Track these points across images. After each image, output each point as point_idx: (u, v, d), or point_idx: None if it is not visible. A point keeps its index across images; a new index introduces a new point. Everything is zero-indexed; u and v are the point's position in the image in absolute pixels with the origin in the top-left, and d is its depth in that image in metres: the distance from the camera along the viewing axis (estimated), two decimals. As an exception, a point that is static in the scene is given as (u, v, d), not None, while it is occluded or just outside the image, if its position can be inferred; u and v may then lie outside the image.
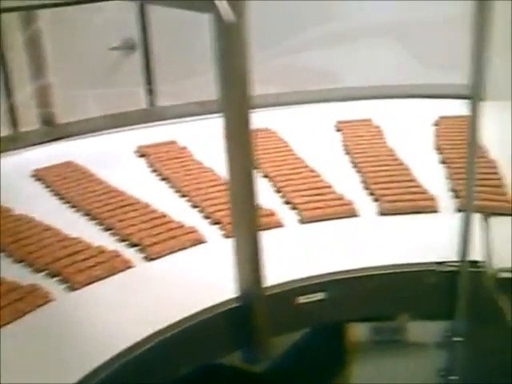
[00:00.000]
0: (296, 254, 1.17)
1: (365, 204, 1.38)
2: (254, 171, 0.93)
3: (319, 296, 1.00)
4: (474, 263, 1.02)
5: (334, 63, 1.93)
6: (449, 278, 1.00)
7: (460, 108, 1.82)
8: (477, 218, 1.21)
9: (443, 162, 1.54)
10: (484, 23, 0.89)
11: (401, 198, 1.38)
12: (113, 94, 1.74)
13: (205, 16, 0.85)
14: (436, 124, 1.74)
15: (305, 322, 1.02)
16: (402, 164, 1.52)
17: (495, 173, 1.44)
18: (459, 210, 1.26)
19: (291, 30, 1.94)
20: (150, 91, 1.74)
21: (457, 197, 1.35)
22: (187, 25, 1.62)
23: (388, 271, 1.03)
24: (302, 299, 0.99)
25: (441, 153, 1.59)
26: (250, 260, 0.94)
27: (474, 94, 0.93)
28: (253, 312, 0.95)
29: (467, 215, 0.99)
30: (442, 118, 1.76)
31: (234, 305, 0.97)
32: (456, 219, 1.21)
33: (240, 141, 0.90)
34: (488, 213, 1.22)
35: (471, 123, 0.94)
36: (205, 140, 1.64)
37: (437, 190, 1.39)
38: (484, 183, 1.36)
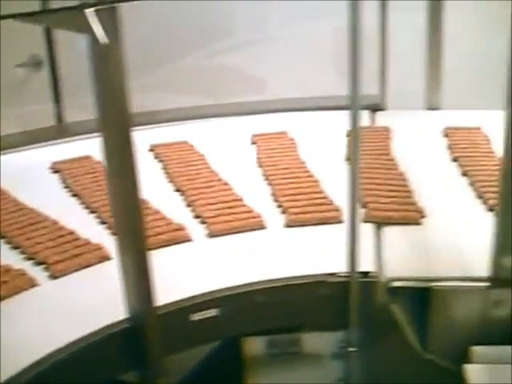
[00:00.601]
0: (198, 269, 1.20)
1: (273, 216, 1.41)
2: (138, 191, 0.94)
3: (212, 312, 1.02)
4: (365, 273, 1.06)
5: (246, 76, 1.97)
6: (340, 289, 1.04)
7: (387, 119, 1.91)
8: (370, 228, 1.26)
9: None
10: (356, 37, 0.93)
11: (306, 209, 1.41)
12: (22, 111, 1.73)
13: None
14: (348, 135, 1.79)
15: (199, 339, 1.04)
16: (311, 176, 1.56)
17: (405, 185, 1.48)
18: (365, 221, 1.31)
19: (196, 45, 1.97)
20: (58, 107, 1.74)
21: (364, 207, 1.39)
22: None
23: (280, 284, 1.06)
24: (196, 316, 1.02)
25: (351, 164, 1.63)
26: (138, 280, 0.96)
27: (352, 105, 0.97)
28: (144, 332, 0.96)
29: (354, 226, 1.03)
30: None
31: (124, 326, 0.98)
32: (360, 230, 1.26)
33: (121, 161, 0.92)
34: (381, 223, 1.27)
35: (352, 134, 0.99)
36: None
37: (344, 201, 1.44)
38: (393, 195, 1.42)
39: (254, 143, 1.77)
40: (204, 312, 1.02)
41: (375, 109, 1.94)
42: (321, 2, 1.96)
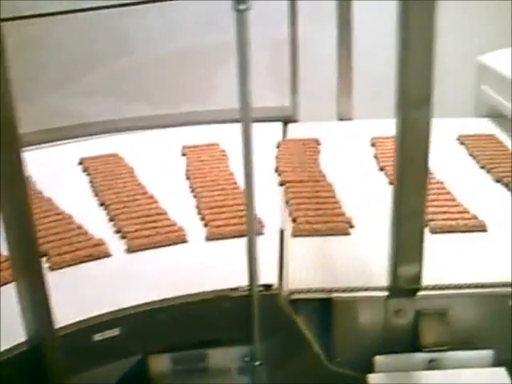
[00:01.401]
0: (111, 286, 1.19)
1: (195, 230, 1.41)
2: (31, 211, 0.93)
3: (115, 332, 1.02)
4: (267, 287, 1.07)
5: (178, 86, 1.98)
6: (243, 303, 1.04)
7: (302, 130, 1.93)
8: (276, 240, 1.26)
9: (281, 184, 1.59)
10: (244, 49, 0.94)
11: (229, 222, 1.41)
12: None
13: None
14: (278, 146, 1.80)
15: (103, 359, 1.03)
16: (237, 188, 1.56)
17: (333, 196, 1.49)
18: (295, 235, 1.31)
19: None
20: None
21: (293, 221, 1.38)
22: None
23: (183, 301, 1.06)
24: (98, 336, 1.01)
25: (279, 175, 1.64)
26: (36, 303, 0.95)
27: (243, 118, 0.98)
28: (44, 354, 0.95)
29: (252, 239, 1.03)
30: (285, 141, 1.83)
31: (23, 349, 0.97)
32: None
33: (12, 184, 0.91)
34: (287, 235, 1.27)
35: (244, 146, 0.99)
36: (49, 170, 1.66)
37: (267, 214, 1.44)
38: (321, 207, 1.42)
39: (184, 155, 1.77)
40: (108, 331, 1.01)
41: (287, 120, 1.98)
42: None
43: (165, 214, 1.47)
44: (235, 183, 1.59)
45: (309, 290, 1.05)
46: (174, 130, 1.91)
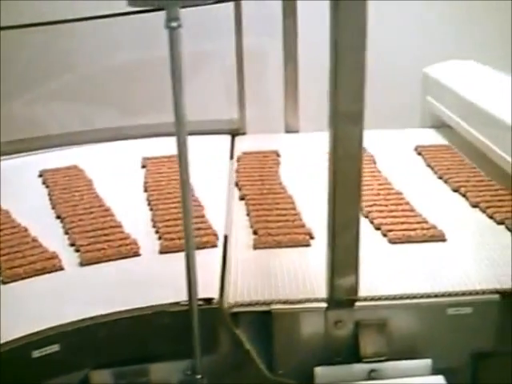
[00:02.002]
0: (59, 300, 1.19)
1: (149, 243, 1.41)
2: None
3: (54, 348, 1.02)
4: (208, 301, 1.07)
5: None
6: (185, 317, 1.04)
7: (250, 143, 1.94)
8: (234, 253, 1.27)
9: (242, 198, 1.59)
10: (178, 70, 0.95)
11: (182, 235, 1.41)
12: None
13: None
14: (238, 159, 1.81)
15: (42, 376, 1.03)
16: (194, 201, 1.56)
17: (293, 208, 1.50)
18: (255, 248, 1.31)
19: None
20: None
21: (254, 233, 1.39)
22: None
23: (125, 315, 1.06)
24: (37, 353, 1.01)
25: (240, 189, 1.64)
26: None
27: (178, 133, 0.98)
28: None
29: (189, 254, 1.03)
30: (244, 153, 1.85)
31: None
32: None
33: None
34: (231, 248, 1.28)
35: (180, 160, 1.00)
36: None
37: (222, 225, 1.45)
38: (281, 219, 1.42)
39: (144, 167, 1.78)
40: (47, 347, 1.01)
41: (235, 133, 2.00)
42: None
43: (119, 226, 1.47)
44: (192, 196, 1.60)
45: (249, 303, 1.06)
46: (135, 141, 1.92)
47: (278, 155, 1.84)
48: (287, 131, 2.02)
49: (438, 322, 1.08)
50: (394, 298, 1.07)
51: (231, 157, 1.84)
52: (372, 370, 1.05)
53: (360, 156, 0.99)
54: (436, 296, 1.08)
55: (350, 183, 1.00)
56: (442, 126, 1.99)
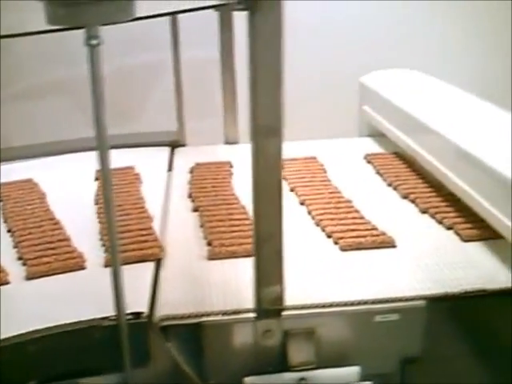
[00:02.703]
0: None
1: (97, 256, 1.41)
2: None
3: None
4: (138, 314, 1.08)
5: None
6: (113, 332, 1.05)
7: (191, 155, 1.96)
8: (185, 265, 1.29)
9: (195, 210, 1.60)
10: (98, 87, 0.96)
11: (129, 247, 1.41)
12: None
13: None
14: (191, 171, 1.83)
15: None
16: (143, 213, 1.57)
17: (246, 218, 1.50)
18: (210, 259, 1.32)
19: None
20: None
21: (208, 244, 1.38)
22: None
23: (56, 331, 1.07)
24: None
25: (193, 200, 1.65)
26: None
27: (100, 148, 1.00)
28: None
29: (116, 268, 1.04)
30: (197, 164, 1.86)
31: None
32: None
33: None
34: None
35: (103, 177, 1.01)
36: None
37: (170, 238, 1.46)
38: (235, 229, 1.44)
39: (97, 179, 1.79)
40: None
41: (175, 145, 2.03)
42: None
43: (67, 240, 1.48)
44: (142, 208, 1.61)
45: (179, 316, 1.07)
46: (90, 154, 1.92)
47: (231, 166, 1.86)
48: (227, 142, 2.04)
49: (365, 329, 1.10)
50: (323, 306, 1.09)
51: (169, 169, 1.87)
52: (301, 379, 1.06)
53: (280, 168, 1.01)
54: (360, 303, 1.10)
55: (271, 195, 1.01)
56: (378, 135, 2.02)
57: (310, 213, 1.54)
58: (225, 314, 1.07)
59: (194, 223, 1.53)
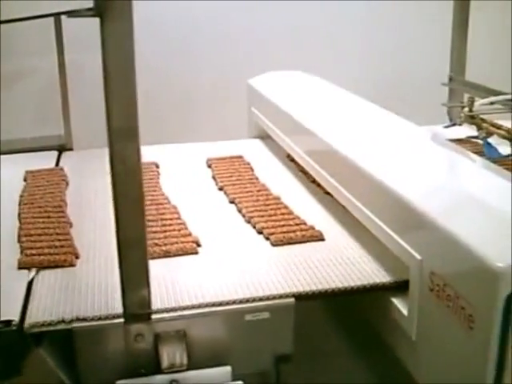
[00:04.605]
0: None
1: (12, 258, 1.38)
2: None
3: None
4: (8, 322, 1.08)
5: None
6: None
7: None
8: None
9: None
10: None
11: (43, 251, 1.39)
12: None
13: None
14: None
15: None
16: (63, 217, 1.55)
17: (178, 218, 1.51)
18: None
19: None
20: None
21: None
22: None
23: None
24: None
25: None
26: None
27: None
28: None
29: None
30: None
31: None
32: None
33: None
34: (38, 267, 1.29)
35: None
36: None
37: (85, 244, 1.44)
38: (168, 229, 1.44)
39: (25, 180, 1.80)
40: None
41: (62, 149, 2.04)
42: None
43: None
44: (63, 212, 1.59)
45: (50, 323, 1.08)
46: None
47: (157, 166, 1.88)
48: None
49: (237, 328, 1.10)
50: (192, 307, 1.09)
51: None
52: (173, 380, 1.07)
53: (139, 173, 1.00)
54: (228, 303, 1.10)
55: (132, 200, 1.01)
56: (266, 136, 2.05)
57: (240, 211, 1.55)
58: (94, 319, 1.08)
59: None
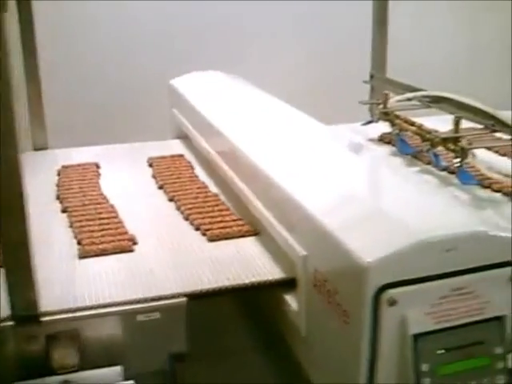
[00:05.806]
0: None
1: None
2: None
3: None
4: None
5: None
6: None
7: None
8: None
9: (64, 211, 1.58)
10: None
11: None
12: None
13: None
14: (58, 173, 1.83)
15: None
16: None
17: (115, 216, 1.52)
18: (81, 257, 1.32)
19: None
20: None
21: (79, 243, 1.38)
22: None
23: None
24: None
25: (61, 202, 1.63)
26: None
27: None
28: None
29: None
30: (64, 166, 1.88)
31: None
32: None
33: None
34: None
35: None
36: None
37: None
38: (105, 227, 1.45)
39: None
40: None
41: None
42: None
43: None
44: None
45: None
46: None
47: (98, 167, 1.88)
48: (35, 149, 2.07)
49: (129, 329, 1.10)
50: (84, 308, 1.09)
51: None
52: (65, 381, 1.07)
53: (19, 176, 1.00)
54: (120, 304, 1.10)
55: (12, 204, 1.01)
56: (186, 137, 2.07)
57: (178, 208, 1.56)
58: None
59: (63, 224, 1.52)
